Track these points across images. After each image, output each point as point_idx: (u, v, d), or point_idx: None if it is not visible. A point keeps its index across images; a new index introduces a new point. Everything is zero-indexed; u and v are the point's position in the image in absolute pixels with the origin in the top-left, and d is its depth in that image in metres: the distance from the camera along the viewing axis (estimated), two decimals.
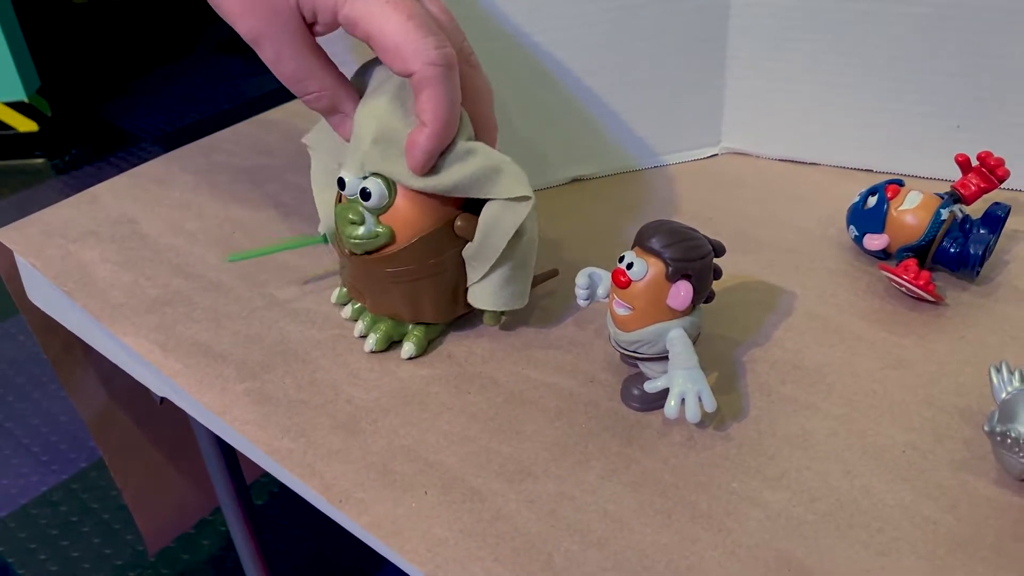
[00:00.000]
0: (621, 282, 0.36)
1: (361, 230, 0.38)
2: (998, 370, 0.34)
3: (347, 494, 0.34)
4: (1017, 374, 0.34)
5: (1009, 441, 0.32)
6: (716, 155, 0.57)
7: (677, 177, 0.55)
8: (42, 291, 0.49)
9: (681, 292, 0.35)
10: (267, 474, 1.13)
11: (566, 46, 0.51)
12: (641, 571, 0.31)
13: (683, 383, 0.35)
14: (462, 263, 0.40)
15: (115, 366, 0.47)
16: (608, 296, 0.38)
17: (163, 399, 0.45)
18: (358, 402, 0.39)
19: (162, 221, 0.51)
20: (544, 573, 0.31)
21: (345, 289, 0.44)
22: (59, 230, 0.50)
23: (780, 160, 0.56)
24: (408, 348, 0.41)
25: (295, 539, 1.05)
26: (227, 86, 2.15)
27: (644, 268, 0.35)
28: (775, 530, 0.32)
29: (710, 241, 0.37)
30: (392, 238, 0.38)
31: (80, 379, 0.57)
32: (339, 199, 0.40)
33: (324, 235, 0.43)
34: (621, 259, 0.36)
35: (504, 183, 0.38)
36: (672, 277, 0.35)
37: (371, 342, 0.41)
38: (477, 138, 0.39)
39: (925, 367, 0.39)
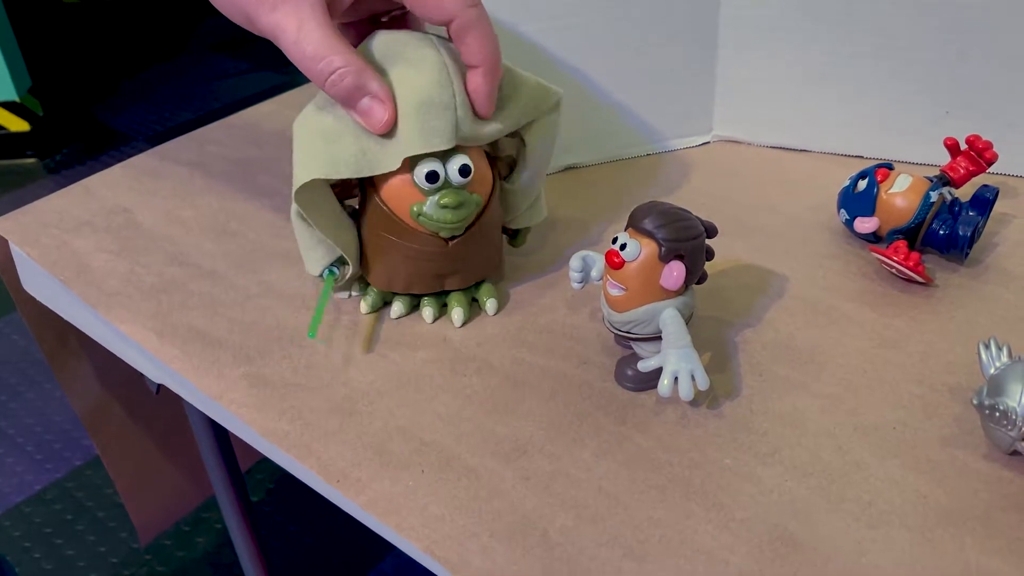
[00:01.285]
0: (614, 263, 0.36)
1: (465, 211, 0.39)
2: (987, 346, 0.35)
3: (344, 473, 0.35)
4: (1005, 350, 0.34)
5: (997, 414, 0.32)
6: (708, 143, 0.57)
7: (670, 165, 0.55)
8: (37, 281, 0.49)
9: (674, 272, 0.35)
10: (263, 469, 1.13)
11: (558, 36, 0.51)
12: (635, 545, 0.31)
13: (676, 362, 0.35)
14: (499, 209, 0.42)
15: (110, 357, 0.47)
16: (602, 278, 0.38)
17: (159, 388, 0.45)
18: (354, 385, 0.39)
19: (156, 211, 0.51)
20: (539, 548, 0.31)
21: (374, 294, 0.42)
22: (54, 220, 0.50)
23: (771, 147, 0.56)
24: (493, 304, 0.42)
25: (291, 535, 1.05)
26: (219, 85, 2.15)
27: (637, 249, 0.36)
28: (768, 504, 0.33)
29: (702, 222, 0.37)
30: (482, 202, 0.40)
31: (74, 371, 0.57)
32: (385, 206, 0.39)
33: (331, 270, 0.42)
34: (615, 240, 0.36)
35: (543, 93, 0.40)
36: (665, 257, 0.35)
37: (459, 316, 0.42)
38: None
39: (915, 346, 0.40)
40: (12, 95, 1.81)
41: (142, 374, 0.45)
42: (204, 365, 0.40)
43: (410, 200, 0.39)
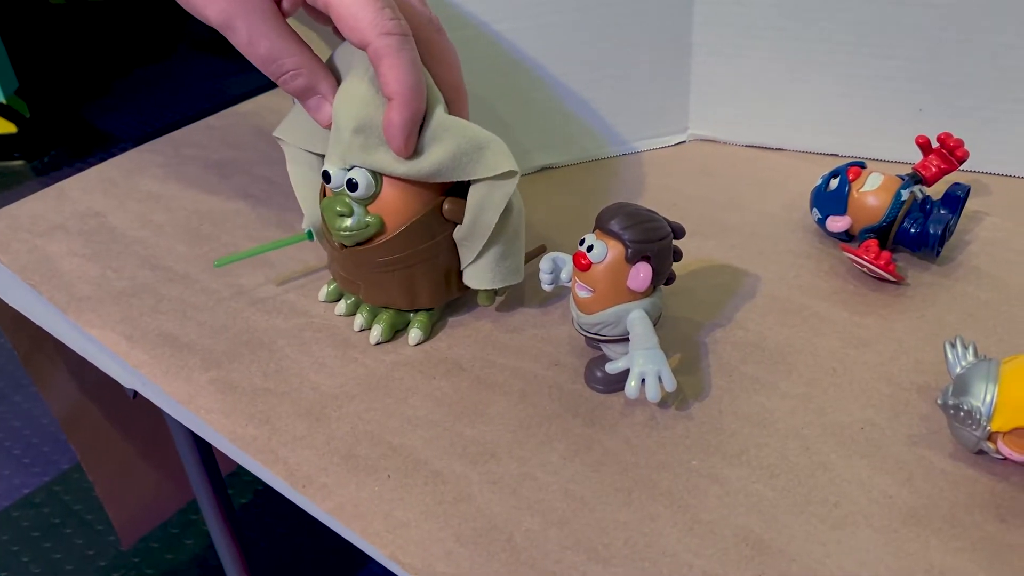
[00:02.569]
0: (582, 264, 0.36)
1: (350, 221, 0.38)
2: (952, 345, 0.35)
3: (310, 479, 0.34)
4: (971, 349, 0.34)
5: (962, 414, 0.32)
6: (684, 142, 0.57)
7: (645, 164, 0.55)
8: (9, 285, 0.48)
9: (640, 274, 0.35)
10: (249, 472, 1.13)
11: (532, 35, 0.51)
12: (600, 548, 0.31)
13: (643, 363, 0.35)
14: (453, 246, 0.40)
15: (85, 361, 0.47)
16: (571, 280, 0.38)
17: (135, 394, 0.45)
18: (323, 389, 0.39)
19: (130, 214, 0.51)
20: (504, 553, 0.31)
21: (334, 285, 0.43)
22: (26, 224, 0.50)
23: (747, 146, 0.56)
24: (415, 335, 0.41)
25: (278, 537, 1.05)
26: (207, 86, 2.15)
27: (604, 250, 0.36)
28: (734, 506, 0.33)
29: (669, 223, 0.37)
30: (382, 227, 0.39)
31: (50, 374, 0.56)
32: (323, 192, 0.40)
33: (309, 231, 0.42)
34: (582, 242, 0.36)
35: (488, 160, 0.37)
36: (631, 259, 0.35)
37: (376, 334, 0.41)
38: (448, 105, 0.38)
39: (885, 346, 0.40)
40: None
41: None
42: (173, 369, 0.40)
43: (325, 193, 0.40)
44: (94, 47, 2.31)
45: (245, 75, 2.16)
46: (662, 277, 0.37)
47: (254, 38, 0.37)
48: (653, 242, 0.36)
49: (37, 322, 0.48)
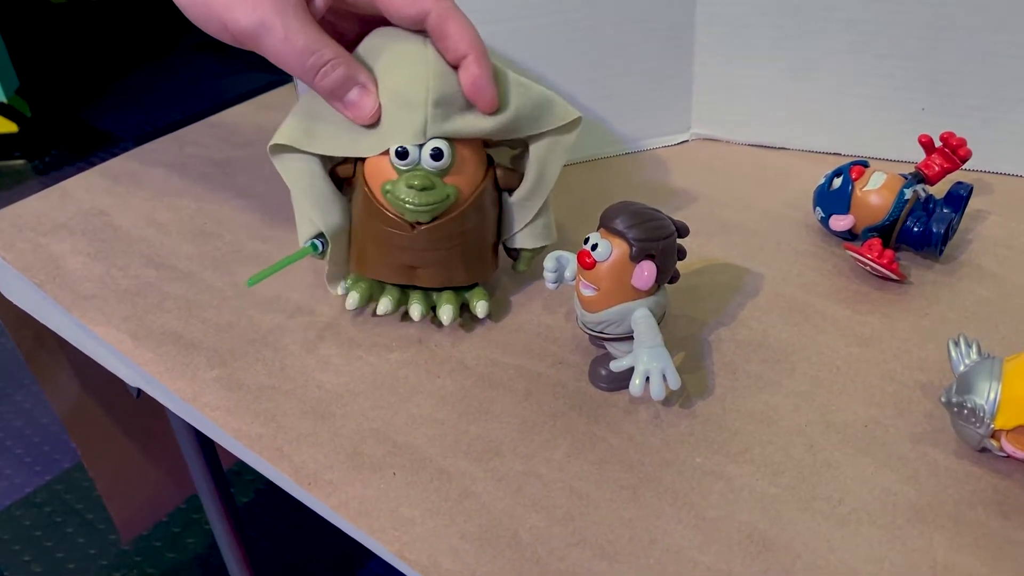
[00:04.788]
0: (586, 263, 0.36)
1: (432, 194, 0.38)
2: (956, 344, 0.35)
3: (316, 476, 0.35)
4: (975, 347, 0.34)
5: (966, 412, 0.33)
6: (686, 141, 0.57)
7: (648, 163, 0.55)
8: (13, 284, 0.48)
9: (645, 272, 0.35)
10: (251, 470, 1.13)
11: (535, 34, 0.51)
12: (606, 545, 0.31)
13: (647, 361, 0.35)
14: (497, 216, 0.42)
15: (89, 359, 0.47)
16: (575, 278, 0.38)
17: (140, 393, 0.45)
18: (328, 387, 0.39)
19: (134, 213, 0.51)
20: (510, 549, 0.31)
21: (364, 286, 0.41)
22: (30, 223, 0.50)
23: (750, 145, 0.57)
24: (483, 307, 0.41)
25: (280, 535, 1.05)
26: (207, 86, 2.15)
27: (608, 249, 0.36)
28: (738, 503, 0.33)
29: (674, 222, 0.37)
30: (458, 197, 0.39)
31: (53, 373, 0.57)
32: (365, 185, 0.39)
33: (313, 243, 0.41)
34: (586, 241, 0.36)
35: (557, 110, 0.40)
36: (636, 257, 0.35)
37: (448, 315, 0.41)
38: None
39: (888, 344, 0.40)
40: (0, 96, 1.81)
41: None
42: (178, 368, 0.40)
43: (384, 177, 0.39)
44: (95, 47, 2.31)
45: (245, 75, 2.16)
46: (666, 275, 0.37)
47: (291, 33, 0.36)
48: (657, 240, 0.36)
49: (41, 320, 0.48)
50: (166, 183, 0.54)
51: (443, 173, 0.38)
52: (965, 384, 0.33)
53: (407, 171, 0.38)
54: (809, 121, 0.54)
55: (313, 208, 0.40)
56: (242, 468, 1.12)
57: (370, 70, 0.39)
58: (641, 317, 0.36)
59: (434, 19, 0.36)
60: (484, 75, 0.37)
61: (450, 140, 0.38)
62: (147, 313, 0.43)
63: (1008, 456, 0.33)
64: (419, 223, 0.39)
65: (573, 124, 0.40)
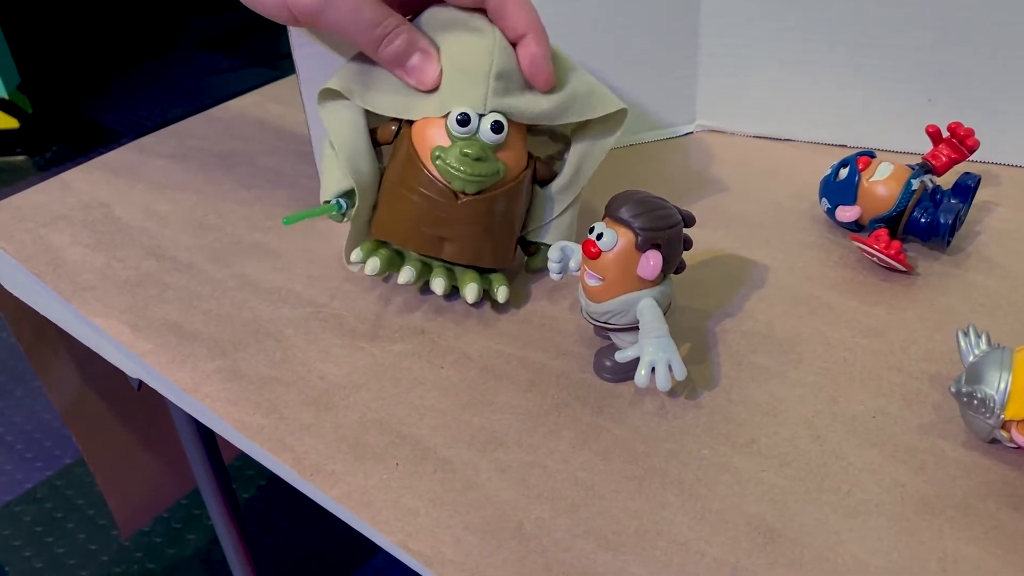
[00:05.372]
0: (591, 253, 0.36)
1: (485, 166, 0.38)
2: (965, 334, 0.34)
3: (318, 467, 0.34)
4: (984, 337, 0.34)
5: (975, 402, 0.32)
6: (691, 133, 0.57)
7: (653, 155, 0.55)
8: (13, 275, 0.48)
9: (651, 262, 0.35)
10: (252, 465, 1.12)
11: None
12: (611, 536, 0.31)
13: (653, 352, 0.35)
14: (526, 209, 0.42)
15: (89, 351, 0.47)
16: (580, 268, 0.38)
17: (141, 385, 0.45)
18: (330, 378, 0.38)
19: (134, 204, 0.51)
20: (514, 540, 0.31)
21: (384, 254, 0.41)
22: (30, 214, 0.50)
23: (755, 137, 0.56)
24: (504, 291, 0.41)
25: (282, 532, 1.05)
26: (209, 82, 2.14)
27: (614, 238, 0.35)
28: (744, 495, 0.32)
29: (680, 211, 0.37)
30: (506, 175, 0.39)
31: (53, 365, 0.56)
32: (413, 148, 0.39)
33: (338, 202, 0.40)
34: (591, 230, 0.36)
35: (603, 99, 0.40)
36: (642, 247, 0.35)
37: (472, 294, 0.40)
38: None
39: (896, 335, 0.40)
40: (1, 92, 1.80)
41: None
42: (179, 359, 0.40)
43: (435, 142, 0.39)
44: (96, 43, 2.31)
45: (247, 71, 2.15)
46: (672, 265, 0.37)
47: (358, 5, 0.37)
48: (663, 230, 0.35)
49: (42, 312, 0.48)
50: (167, 175, 0.54)
51: (497, 148, 0.38)
52: (975, 374, 0.33)
53: (463, 139, 0.38)
54: (815, 112, 0.54)
55: (348, 161, 0.40)
56: (243, 463, 1.12)
57: (431, 40, 0.39)
58: (647, 307, 0.36)
59: (494, 2, 0.37)
60: (543, 54, 0.38)
61: (504, 117, 0.38)
62: (147, 304, 0.43)
63: (1018, 447, 0.33)
64: (464, 193, 0.39)
65: (619, 119, 0.41)
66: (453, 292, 0.42)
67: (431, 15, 0.40)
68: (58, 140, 1.90)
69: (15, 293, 0.49)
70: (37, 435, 1.21)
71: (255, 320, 0.42)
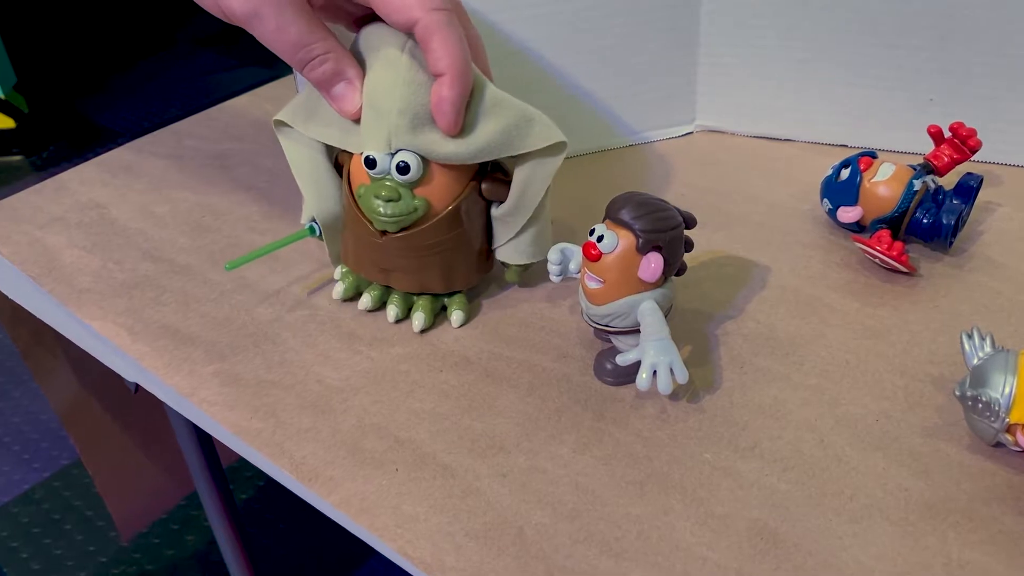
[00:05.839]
0: (592, 255, 0.35)
1: (397, 206, 0.37)
2: (969, 336, 0.34)
3: (316, 473, 0.34)
4: (988, 339, 0.34)
5: (980, 405, 0.32)
6: (691, 133, 0.57)
7: (652, 155, 0.55)
8: (8, 277, 0.48)
9: (652, 264, 0.35)
10: (251, 467, 1.12)
11: (539, 25, 0.50)
12: (612, 542, 0.31)
13: (654, 355, 0.34)
14: (485, 225, 0.41)
15: (86, 355, 0.46)
16: (580, 271, 0.38)
17: (138, 388, 0.45)
18: (329, 382, 0.38)
19: (131, 206, 0.51)
20: (515, 547, 0.31)
21: (350, 281, 0.42)
22: (26, 216, 0.49)
23: (755, 137, 0.56)
24: (459, 316, 0.41)
25: (281, 533, 1.05)
26: (207, 81, 2.14)
27: (614, 240, 0.35)
28: (747, 499, 0.32)
29: (681, 212, 0.36)
30: (428, 210, 0.38)
31: (50, 368, 0.56)
32: (348, 180, 0.39)
33: (311, 227, 0.41)
34: (592, 232, 0.36)
35: (538, 132, 0.37)
36: (642, 249, 0.35)
37: (420, 322, 0.40)
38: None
39: (898, 337, 0.39)
40: None
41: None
42: (176, 362, 0.39)
43: (360, 180, 0.39)
44: (93, 42, 2.30)
45: (244, 70, 2.15)
46: (673, 267, 0.36)
47: (283, 24, 0.36)
48: (664, 231, 0.35)
49: (37, 315, 0.48)
50: (164, 175, 0.53)
51: (412, 185, 0.37)
52: (979, 377, 0.32)
53: (377, 179, 0.38)
54: (815, 112, 0.54)
55: (308, 191, 0.40)
56: (241, 464, 1.12)
57: (361, 64, 0.38)
58: (648, 310, 0.35)
59: (420, 31, 0.35)
60: (451, 98, 0.35)
61: (420, 154, 0.37)
62: (144, 307, 0.43)
63: (1023, 451, 0.33)
64: (386, 232, 0.39)
65: (557, 148, 0.38)
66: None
67: (366, 35, 0.38)
68: (55, 140, 1.90)
69: (10, 296, 0.49)
70: (35, 436, 1.21)
71: (252, 323, 0.42)
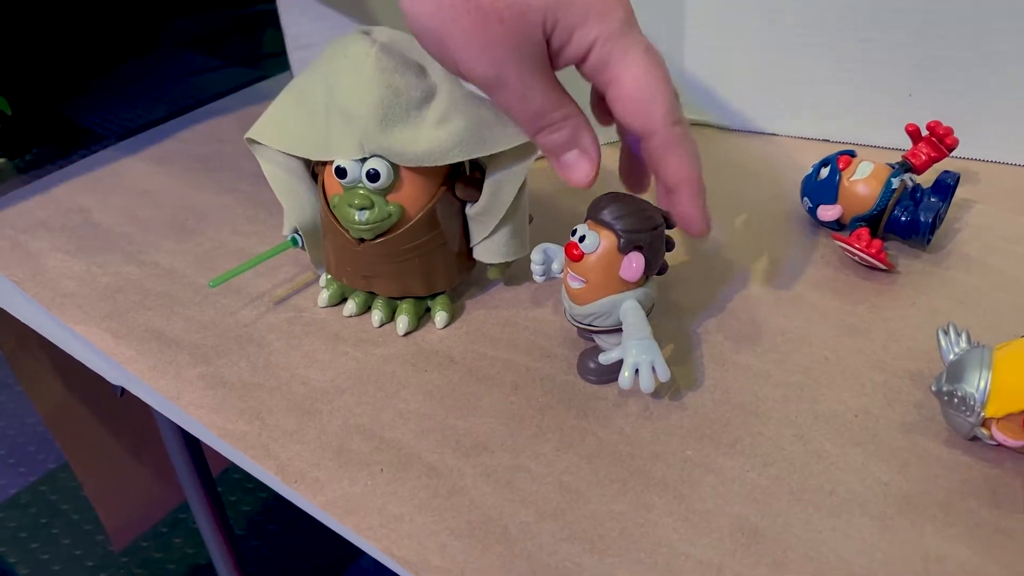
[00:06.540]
0: (574, 255, 0.36)
1: (372, 214, 0.38)
2: (945, 332, 0.35)
3: (302, 474, 0.34)
4: (964, 335, 0.34)
5: (956, 400, 0.32)
6: None
7: None
8: None
9: (633, 264, 0.35)
10: (239, 468, 1.12)
11: None
12: (596, 539, 0.31)
13: (636, 353, 0.35)
14: (462, 226, 0.41)
15: (72, 359, 0.46)
16: (563, 271, 0.38)
17: (123, 392, 0.45)
18: (314, 383, 0.38)
19: (115, 210, 0.50)
20: (499, 545, 0.31)
21: (335, 287, 0.42)
22: (8, 221, 0.49)
23: (737, 131, 0.56)
24: (443, 317, 0.41)
25: (270, 534, 1.05)
26: (191, 82, 2.13)
27: (596, 240, 0.35)
28: (728, 495, 0.33)
29: (662, 212, 0.37)
30: (403, 215, 0.38)
31: (36, 373, 0.56)
32: (323, 190, 0.39)
33: (293, 238, 0.41)
34: (574, 232, 0.36)
35: (510, 132, 0.38)
36: (624, 249, 0.35)
37: (404, 325, 0.41)
38: (677, 194, 0.36)
39: (877, 334, 0.40)
40: None
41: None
42: (160, 366, 0.39)
43: (333, 189, 0.39)
44: (76, 44, 2.29)
45: (228, 71, 2.14)
46: (655, 267, 0.37)
47: (527, 92, 0.33)
48: (645, 232, 0.35)
49: (21, 319, 0.48)
50: (147, 178, 0.53)
51: (384, 192, 0.38)
52: (955, 373, 0.33)
53: (349, 188, 0.38)
54: (797, 108, 0.54)
55: (287, 203, 0.41)
56: (230, 466, 1.12)
57: (595, 138, 0.35)
58: (630, 309, 0.36)
59: (656, 145, 0.33)
60: (694, 210, 0.35)
61: (390, 160, 0.37)
62: (128, 311, 0.43)
63: (998, 445, 0.33)
64: (363, 239, 0.39)
65: (528, 148, 0.38)
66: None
67: (333, 44, 0.38)
68: (38, 142, 1.89)
69: None
70: (20, 440, 1.20)
71: (237, 326, 0.42)
